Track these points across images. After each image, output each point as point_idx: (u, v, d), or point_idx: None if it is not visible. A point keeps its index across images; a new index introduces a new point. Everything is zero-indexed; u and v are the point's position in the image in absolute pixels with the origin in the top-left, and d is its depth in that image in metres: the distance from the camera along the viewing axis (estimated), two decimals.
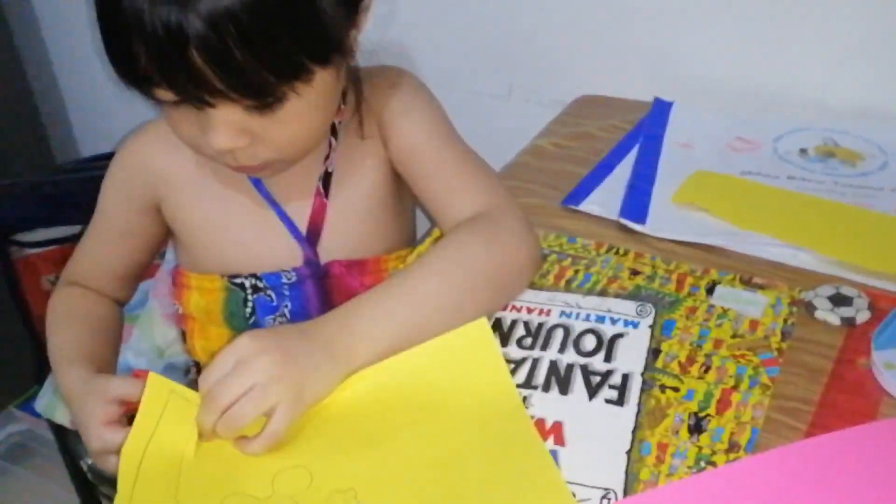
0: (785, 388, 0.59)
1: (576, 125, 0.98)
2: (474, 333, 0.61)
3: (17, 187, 1.09)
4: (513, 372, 0.61)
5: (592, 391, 0.59)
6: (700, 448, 0.54)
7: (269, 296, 0.78)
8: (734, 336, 0.63)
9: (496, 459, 0.54)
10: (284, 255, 0.77)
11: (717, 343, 0.63)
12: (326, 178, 0.76)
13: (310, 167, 0.75)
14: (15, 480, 1.53)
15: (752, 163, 0.87)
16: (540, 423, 0.57)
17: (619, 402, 0.58)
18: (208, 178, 0.77)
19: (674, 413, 0.57)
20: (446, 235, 0.70)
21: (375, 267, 0.79)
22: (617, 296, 0.68)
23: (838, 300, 0.65)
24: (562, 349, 0.63)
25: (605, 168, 0.87)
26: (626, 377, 0.60)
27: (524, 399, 0.59)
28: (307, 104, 0.63)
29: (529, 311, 0.67)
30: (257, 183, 0.76)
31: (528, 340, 0.64)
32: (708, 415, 0.57)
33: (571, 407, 0.58)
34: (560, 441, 0.55)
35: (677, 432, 0.56)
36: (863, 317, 0.64)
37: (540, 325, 0.65)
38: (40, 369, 1.05)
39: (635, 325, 0.65)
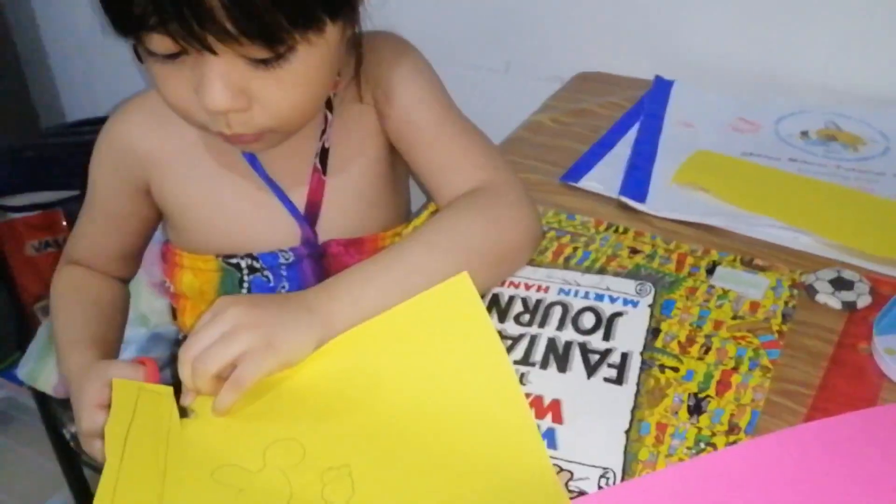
0: (785, 371, 0.58)
1: (576, 101, 0.96)
2: (456, 288, 0.60)
3: (0, 151, 1.07)
4: (510, 348, 0.60)
5: (591, 369, 0.58)
6: (700, 429, 0.54)
7: (266, 276, 0.76)
8: (734, 317, 0.62)
9: (483, 423, 0.54)
10: (281, 234, 0.75)
11: (718, 324, 0.62)
12: (323, 155, 0.74)
13: (305, 143, 0.73)
14: None
15: (754, 144, 0.86)
16: (538, 400, 0.56)
17: (618, 381, 0.57)
18: (200, 155, 0.74)
19: (673, 393, 0.56)
20: (443, 209, 0.69)
21: (373, 246, 0.77)
22: (616, 274, 0.67)
23: (839, 284, 0.65)
24: (560, 326, 0.62)
25: (605, 145, 0.86)
26: (625, 356, 0.59)
27: (521, 376, 0.58)
28: (310, 66, 0.61)
29: (527, 287, 0.66)
30: (253, 161, 0.73)
31: (526, 317, 0.63)
32: (708, 396, 0.56)
33: (570, 385, 0.57)
34: (558, 419, 0.54)
35: (677, 413, 0.55)
36: (864, 301, 0.63)
37: (538, 302, 0.64)
38: (23, 336, 1.04)
39: (634, 304, 0.64)
